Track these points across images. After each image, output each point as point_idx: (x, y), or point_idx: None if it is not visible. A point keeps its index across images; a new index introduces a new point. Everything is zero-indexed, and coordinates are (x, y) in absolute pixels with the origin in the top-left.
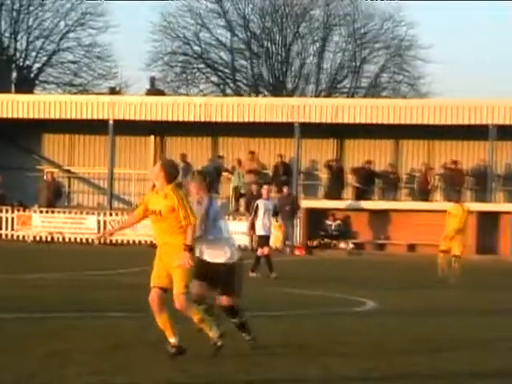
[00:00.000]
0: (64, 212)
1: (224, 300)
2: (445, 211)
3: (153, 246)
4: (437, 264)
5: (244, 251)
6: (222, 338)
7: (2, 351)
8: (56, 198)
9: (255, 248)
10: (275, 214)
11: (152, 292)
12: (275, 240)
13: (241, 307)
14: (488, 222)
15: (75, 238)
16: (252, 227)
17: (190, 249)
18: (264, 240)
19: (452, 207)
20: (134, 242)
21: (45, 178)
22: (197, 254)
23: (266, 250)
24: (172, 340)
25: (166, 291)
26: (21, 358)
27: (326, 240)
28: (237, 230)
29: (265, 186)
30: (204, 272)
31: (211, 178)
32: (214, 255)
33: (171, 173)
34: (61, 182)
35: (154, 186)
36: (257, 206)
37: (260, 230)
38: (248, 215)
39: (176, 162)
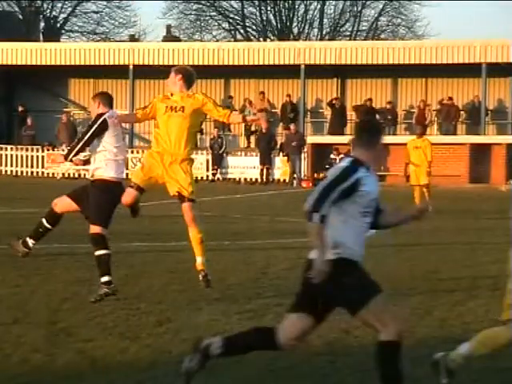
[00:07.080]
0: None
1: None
2: (442, 144)
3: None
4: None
5: (253, 184)
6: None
7: (30, 282)
8: (73, 137)
9: None
10: None
11: (185, 204)
12: (283, 173)
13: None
14: (480, 154)
15: None
16: None
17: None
18: None
19: (416, 141)
20: None
21: (62, 119)
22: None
23: None
24: (200, 259)
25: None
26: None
27: None
28: (248, 164)
29: None
30: None
31: None
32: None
33: (190, 76)
34: (76, 122)
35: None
36: None
37: None
38: (257, 150)
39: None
